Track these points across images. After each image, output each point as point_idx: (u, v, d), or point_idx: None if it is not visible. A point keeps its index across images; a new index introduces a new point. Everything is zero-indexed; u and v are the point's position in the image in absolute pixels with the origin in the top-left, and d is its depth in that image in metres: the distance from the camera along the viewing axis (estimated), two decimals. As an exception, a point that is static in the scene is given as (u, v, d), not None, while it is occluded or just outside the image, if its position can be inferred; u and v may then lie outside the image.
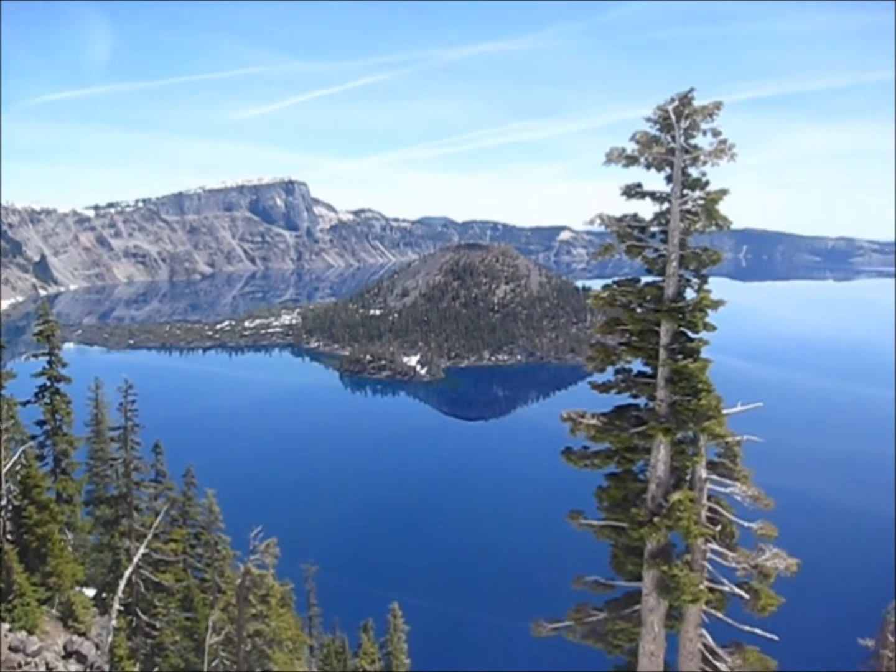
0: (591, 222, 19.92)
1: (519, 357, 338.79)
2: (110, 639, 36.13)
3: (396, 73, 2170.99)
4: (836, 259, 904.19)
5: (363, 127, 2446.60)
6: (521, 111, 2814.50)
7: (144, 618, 42.43)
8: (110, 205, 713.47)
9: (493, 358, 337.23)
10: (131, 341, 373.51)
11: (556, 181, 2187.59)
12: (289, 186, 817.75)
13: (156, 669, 42.28)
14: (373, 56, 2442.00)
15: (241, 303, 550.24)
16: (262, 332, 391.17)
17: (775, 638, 21.17)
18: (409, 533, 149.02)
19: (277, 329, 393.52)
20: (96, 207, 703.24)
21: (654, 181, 19.83)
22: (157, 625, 42.70)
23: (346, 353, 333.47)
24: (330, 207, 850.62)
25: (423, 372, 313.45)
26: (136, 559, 38.94)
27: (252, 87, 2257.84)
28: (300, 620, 58.38)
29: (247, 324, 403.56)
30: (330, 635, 74.54)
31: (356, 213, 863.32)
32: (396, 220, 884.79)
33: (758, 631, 21.33)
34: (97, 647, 36.77)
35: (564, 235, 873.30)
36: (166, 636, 42.83)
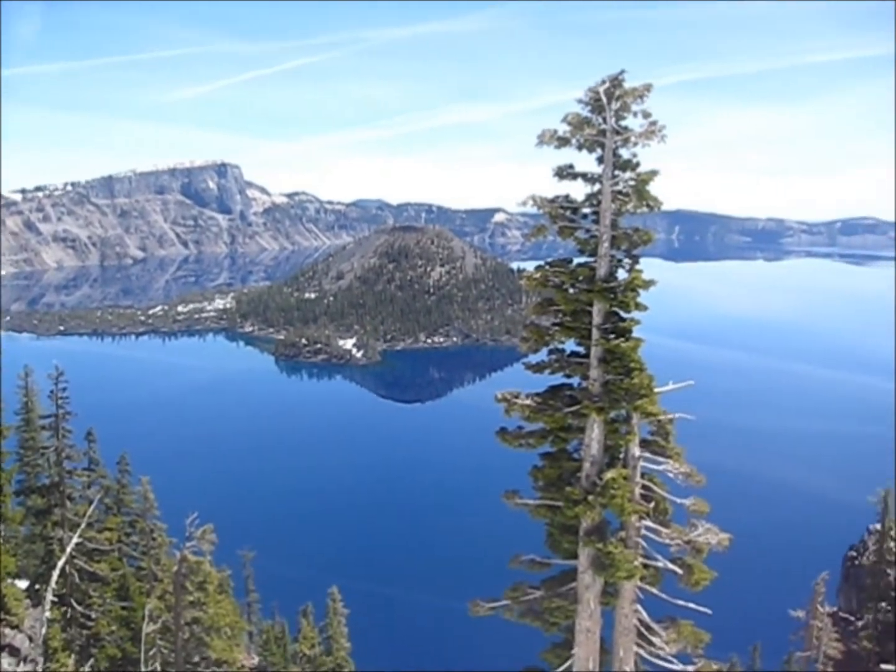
0: (524, 203, 19.97)
1: (455, 339, 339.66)
2: (44, 631, 35.60)
3: (330, 54, 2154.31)
4: (766, 240, 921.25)
5: (297, 109, 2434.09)
6: (456, 93, 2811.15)
7: (79, 608, 41.88)
8: (38, 188, 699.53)
9: (428, 340, 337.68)
10: (62, 327, 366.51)
11: (490, 163, 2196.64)
12: (221, 169, 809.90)
13: (92, 661, 41.78)
14: (306, 37, 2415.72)
15: (174, 287, 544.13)
16: (196, 316, 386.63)
17: (708, 612, 21.57)
18: (346, 516, 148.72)
19: (211, 314, 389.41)
20: (23, 191, 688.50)
21: (586, 162, 19.95)
22: (93, 615, 42.18)
23: (281, 337, 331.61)
24: (263, 190, 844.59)
25: (359, 355, 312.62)
26: (69, 549, 38.38)
27: (183, 68, 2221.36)
28: (238, 607, 58.02)
29: (180, 308, 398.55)
30: (269, 621, 74.24)
31: (290, 195, 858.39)
32: (331, 202, 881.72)
33: (691, 605, 21.65)
34: (31, 639, 36.19)
35: (499, 217, 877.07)
36: (102, 626, 42.33)
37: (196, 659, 36.87)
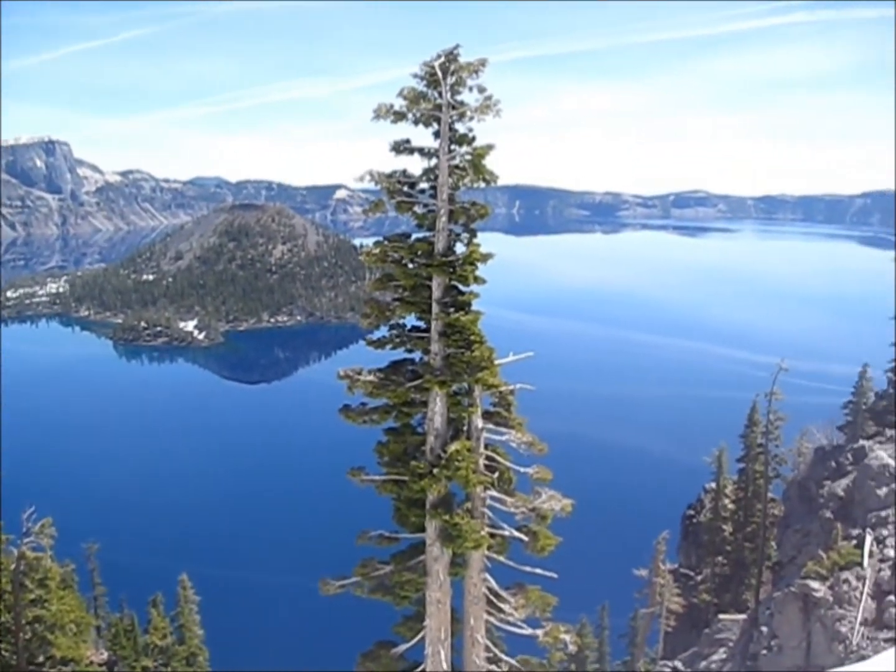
0: (362, 179, 19.88)
1: (299, 318, 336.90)
2: None
3: (162, 27, 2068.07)
4: (603, 213, 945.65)
5: (129, 84, 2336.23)
6: (294, 68, 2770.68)
7: None
8: None
9: (272, 319, 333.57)
10: None
11: (331, 139, 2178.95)
12: (49, 146, 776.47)
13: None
14: (135, 9, 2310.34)
15: (2, 272, 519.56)
16: (27, 302, 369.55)
17: (555, 576, 22.09)
18: (192, 501, 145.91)
19: (43, 298, 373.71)
20: None
21: (423, 137, 19.98)
22: (-77, 620, 40.23)
23: (119, 321, 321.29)
24: (95, 168, 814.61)
25: (201, 337, 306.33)
26: None
27: (4, 40, 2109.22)
28: (84, 601, 56.39)
29: (9, 294, 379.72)
30: (117, 614, 72.34)
31: (124, 174, 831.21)
32: (167, 180, 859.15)
33: (538, 571, 22.19)
34: None
35: (340, 194, 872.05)
36: (-66, 632, 40.44)
37: (40, 659, 35.67)
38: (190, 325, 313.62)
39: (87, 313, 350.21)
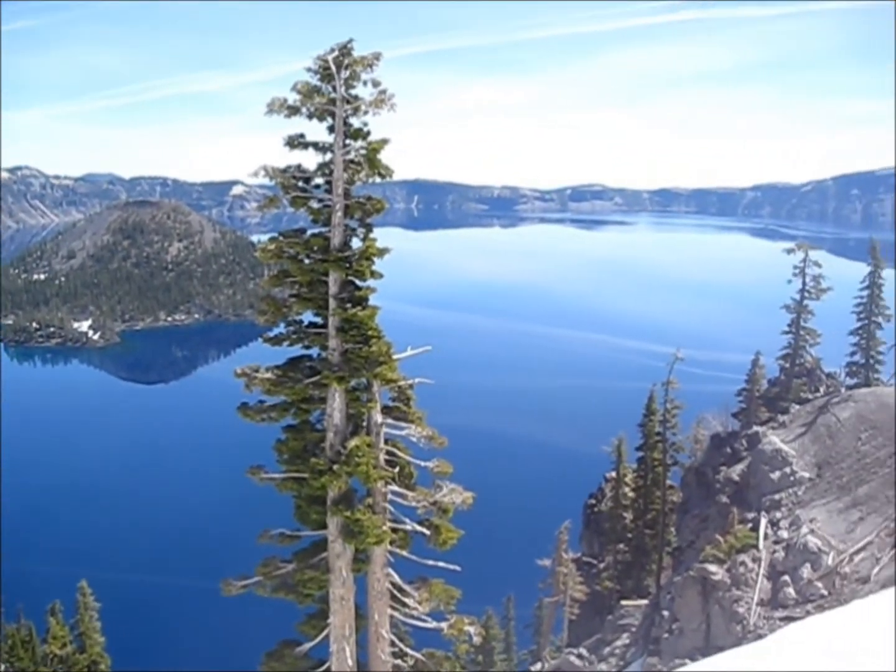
0: (256, 174, 19.71)
1: (197, 316, 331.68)
2: None
3: (53, 17, 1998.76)
4: (501, 207, 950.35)
5: (15, 76, 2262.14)
6: (188, 63, 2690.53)
7: None
8: None
9: (169, 318, 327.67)
10: None
11: (227, 135, 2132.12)
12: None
13: None
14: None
15: None
16: None
17: (458, 568, 22.22)
18: (90, 505, 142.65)
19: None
20: None
21: (318, 132, 19.90)
22: None
23: (10, 322, 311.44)
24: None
25: (96, 337, 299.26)
26: None
27: None
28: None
29: None
30: (14, 624, 70.47)
31: (11, 170, 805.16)
32: (58, 177, 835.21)
33: (441, 564, 22.31)
34: None
35: (237, 190, 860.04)
36: None
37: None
38: (84, 326, 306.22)
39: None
